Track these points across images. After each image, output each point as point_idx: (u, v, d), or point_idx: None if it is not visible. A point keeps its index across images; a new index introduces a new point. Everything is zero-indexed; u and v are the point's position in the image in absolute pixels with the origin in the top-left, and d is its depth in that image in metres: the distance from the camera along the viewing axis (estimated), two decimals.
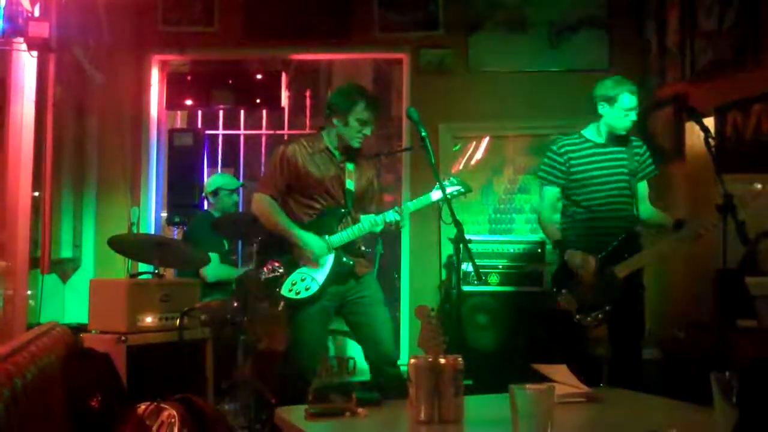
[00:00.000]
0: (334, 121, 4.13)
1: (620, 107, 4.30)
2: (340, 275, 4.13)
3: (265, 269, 4.09)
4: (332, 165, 4.18)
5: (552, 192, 4.46)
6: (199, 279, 5.20)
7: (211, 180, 5.93)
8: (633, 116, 4.32)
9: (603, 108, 4.36)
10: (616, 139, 4.40)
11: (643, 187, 4.46)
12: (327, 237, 4.11)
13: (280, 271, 4.08)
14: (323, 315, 4.16)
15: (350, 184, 4.20)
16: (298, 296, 4.06)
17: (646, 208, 4.48)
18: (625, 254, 4.24)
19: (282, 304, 4.08)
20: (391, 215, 4.08)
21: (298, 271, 4.09)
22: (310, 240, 4.07)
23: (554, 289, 4.38)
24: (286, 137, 7.01)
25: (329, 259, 4.10)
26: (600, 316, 4.18)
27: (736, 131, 5.04)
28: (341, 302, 4.18)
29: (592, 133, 4.47)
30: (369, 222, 4.11)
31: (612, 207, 4.36)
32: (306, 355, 4.17)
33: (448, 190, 4.01)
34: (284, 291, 4.06)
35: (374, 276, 4.41)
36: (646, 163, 4.47)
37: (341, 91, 4.24)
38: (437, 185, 3.99)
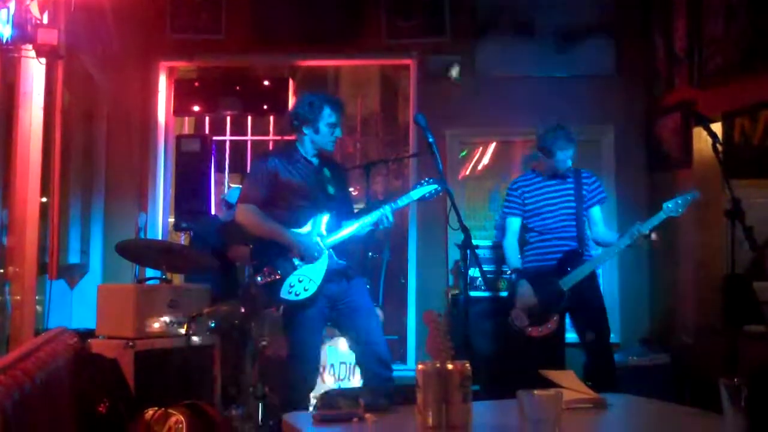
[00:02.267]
0: (305, 130, 4.23)
1: (556, 159, 4.79)
2: (334, 275, 4.17)
3: (261, 275, 4.11)
4: (312, 173, 4.27)
5: (514, 222, 5.00)
6: (207, 285, 5.18)
7: (232, 192, 5.81)
8: (568, 163, 4.82)
9: (544, 158, 4.87)
10: (565, 172, 4.88)
11: (596, 212, 4.91)
12: (319, 239, 4.17)
13: (277, 275, 4.09)
14: (320, 318, 4.21)
15: (331, 189, 4.30)
16: (298, 297, 4.09)
17: (599, 230, 4.90)
18: (567, 268, 4.69)
19: (281, 307, 4.11)
20: (378, 215, 4.15)
21: (294, 273, 4.12)
22: (303, 239, 4.14)
23: (509, 306, 4.85)
24: None
25: (323, 259, 4.15)
26: (549, 326, 4.68)
27: (744, 137, 5.03)
28: (333, 305, 4.22)
29: (543, 169, 4.95)
30: (359, 223, 4.18)
31: (559, 229, 4.83)
32: (308, 358, 4.20)
33: (425, 191, 4.20)
34: (283, 294, 4.09)
35: (363, 280, 4.48)
36: (596, 192, 4.93)
37: (304, 101, 4.30)
38: (417, 185, 4.23)
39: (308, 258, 4.12)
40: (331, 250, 4.18)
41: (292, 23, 6.59)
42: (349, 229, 4.20)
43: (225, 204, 5.68)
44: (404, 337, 6.62)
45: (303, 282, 4.10)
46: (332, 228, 4.21)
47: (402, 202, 4.23)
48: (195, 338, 4.44)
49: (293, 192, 4.22)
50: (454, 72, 6.28)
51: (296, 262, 4.13)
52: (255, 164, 4.40)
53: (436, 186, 4.20)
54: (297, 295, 4.09)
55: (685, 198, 4.50)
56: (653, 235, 4.61)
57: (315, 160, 4.31)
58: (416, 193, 4.21)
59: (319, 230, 4.19)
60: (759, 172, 4.94)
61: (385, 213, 4.14)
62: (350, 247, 4.35)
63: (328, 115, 4.21)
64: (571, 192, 4.85)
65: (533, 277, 4.81)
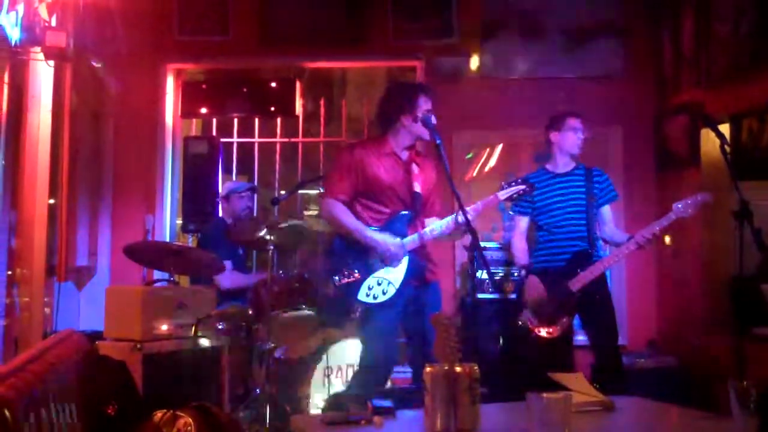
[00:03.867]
0: (404, 121, 4.11)
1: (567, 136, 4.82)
2: (413, 278, 4.08)
3: (339, 275, 4.05)
4: (399, 168, 4.16)
5: (522, 220, 4.96)
6: (214, 286, 5.20)
7: (225, 186, 6.00)
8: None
9: (553, 132, 4.88)
10: (575, 170, 4.88)
11: (606, 211, 4.88)
12: (401, 240, 4.06)
13: (356, 276, 4.03)
14: (397, 320, 4.12)
15: (417, 187, 4.17)
16: (376, 300, 4.01)
17: (609, 230, 4.87)
18: (577, 269, 4.63)
19: (360, 309, 4.06)
20: (460, 217, 3.97)
21: (372, 275, 4.04)
22: (386, 240, 4.03)
23: (518, 308, 4.81)
24: (300, 145, 7.04)
25: (404, 262, 4.05)
26: (559, 328, 4.63)
27: (752, 138, 5.02)
28: (407, 306, 4.11)
29: (554, 166, 4.95)
30: (440, 225, 4.08)
31: (568, 228, 4.79)
32: (383, 360, 4.13)
33: (509, 190, 4.13)
34: (361, 296, 4.02)
35: (438, 284, 4.32)
36: (607, 191, 4.89)
37: (396, 91, 4.25)
38: (502, 185, 4.15)
39: (390, 261, 4.03)
40: (412, 253, 4.08)
41: (298, 25, 6.60)
42: (432, 230, 4.10)
43: (224, 200, 5.77)
44: None
45: (382, 285, 4.01)
46: (415, 228, 4.12)
47: (486, 203, 4.10)
48: (203, 340, 4.45)
49: (379, 188, 4.09)
50: None
51: (376, 264, 4.05)
52: (341, 155, 4.22)
53: (524, 186, 4.12)
54: (375, 298, 4.01)
55: (695, 200, 4.48)
56: (666, 238, 4.58)
57: (405, 154, 4.18)
58: (503, 194, 4.11)
59: (404, 231, 4.09)
60: (767, 174, 4.92)
61: (470, 218, 3.92)
62: (428, 249, 4.25)
63: (424, 102, 4.09)
64: (582, 189, 4.81)
65: (542, 278, 4.76)
